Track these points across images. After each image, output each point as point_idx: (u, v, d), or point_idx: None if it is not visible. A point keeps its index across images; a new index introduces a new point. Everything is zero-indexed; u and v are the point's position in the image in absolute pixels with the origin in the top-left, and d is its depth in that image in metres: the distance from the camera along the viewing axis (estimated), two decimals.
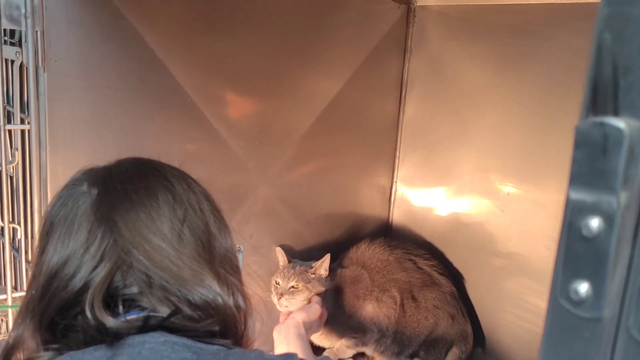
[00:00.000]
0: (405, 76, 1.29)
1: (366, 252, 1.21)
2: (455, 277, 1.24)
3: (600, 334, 0.25)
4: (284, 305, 1.10)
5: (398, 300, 1.17)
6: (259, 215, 1.14)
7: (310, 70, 1.15)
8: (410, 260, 1.22)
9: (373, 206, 1.35)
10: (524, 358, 1.16)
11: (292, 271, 1.10)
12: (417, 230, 1.34)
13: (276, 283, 1.12)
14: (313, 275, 1.11)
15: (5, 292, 0.89)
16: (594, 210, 0.24)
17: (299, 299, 1.10)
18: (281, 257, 1.15)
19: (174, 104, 0.97)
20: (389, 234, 1.38)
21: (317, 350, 1.22)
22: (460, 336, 1.19)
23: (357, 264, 1.20)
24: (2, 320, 0.91)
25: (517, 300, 1.15)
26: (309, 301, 1.11)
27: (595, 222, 0.24)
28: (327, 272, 1.12)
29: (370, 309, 1.15)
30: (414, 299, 1.18)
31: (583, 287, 0.25)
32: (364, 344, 1.16)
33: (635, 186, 0.23)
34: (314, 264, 1.13)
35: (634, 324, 0.24)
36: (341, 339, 1.16)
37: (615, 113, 0.24)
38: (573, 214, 0.25)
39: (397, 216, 1.37)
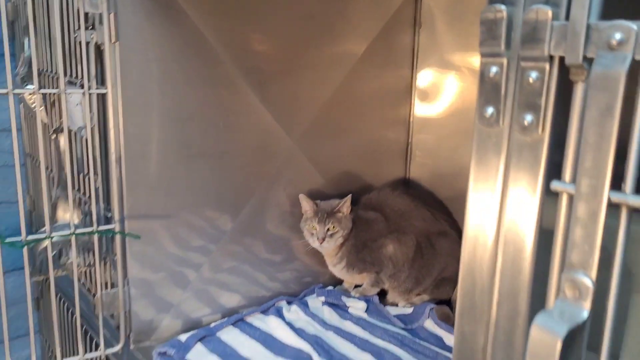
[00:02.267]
0: (416, 46, 1.47)
1: (389, 197, 1.38)
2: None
3: (500, 138, 0.42)
4: (325, 246, 1.29)
5: (415, 242, 1.34)
6: (291, 168, 1.33)
7: (329, 43, 1.33)
8: (429, 211, 1.38)
9: (390, 166, 1.53)
10: None
11: (326, 215, 1.28)
12: (431, 189, 1.50)
13: (312, 228, 1.30)
14: (341, 214, 1.29)
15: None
16: (493, 63, 0.42)
17: (336, 238, 1.29)
18: (305, 203, 1.31)
19: (217, 75, 1.16)
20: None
21: (338, 282, 1.42)
22: None
23: (378, 205, 1.37)
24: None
25: None
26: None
27: (494, 70, 0.42)
28: (349, 211, 1.30)
29: (389, 247, 1.33)
30: (430, 244, 1.34)
31: (490, 110, 0.42)
32: (381, 280, 1.34)
33: (515, 48, 0.41)
34: (335, 203, 1.30)
35: (515, 127, 0.41)
36: (361, 273, 1.33)
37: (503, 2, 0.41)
38: (484, 66, 0.42)
39: (414, 175, 1.54)
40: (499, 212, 0.43)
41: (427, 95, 1.49)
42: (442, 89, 1.45)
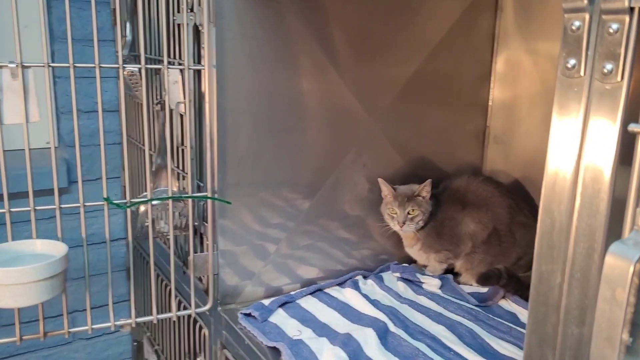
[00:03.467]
0: (496, 31, 1.48)
1: (472, 182, 1.40)
2: None
3: (581, 87, 0.45)
4: (406, 230, 1.33)
5: (492, 227, 1.35)
6: (370, 148, 1.37)
7: (410, 25, 1.37)
8: (512, 199, 1.39)
9: (468, 151, 1.55)
10: None
11: (406, 199, 1.32)
12: (511, 174, 1.51)
13: (392, 212, 1.34)
14: (421, 198, 1.32)
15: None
16: (576, 18, 0.45)
17: (416, 221, 1.32)
18: (385, 187, 1.35)
19: (303, 55, 1.23)
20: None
21: (413, 261, 1.45)
22: None
23: (460, 190, 1.39)
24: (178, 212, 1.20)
25: None
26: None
27: (577, 24, 0.45)
28: (429, 195, 1.33)
29: (470, 224, 1.35)
30: (510, 233, 1.35)
31: (572, 62, 0.45)
32: (456, 256, 1.36)
33: (597, 2, 0.44)
34: (415, 187, 1.33)
35: (595, 75, 0.44)
36: (437, 252, 1.36)
37: None
38: (567, 20, 0.46)
39: (491, 160, 1.55)
40: (578, 155, 0.46)
41: (506, 80, 1.50)
42: (521, 75, 1.45)
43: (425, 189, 1.32)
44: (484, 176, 1.46)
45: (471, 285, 1.38)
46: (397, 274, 1.40)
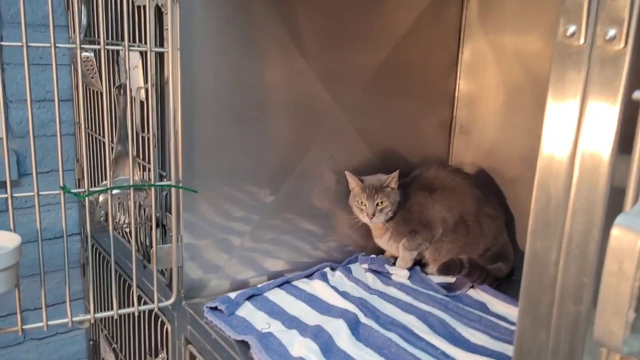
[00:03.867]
0: (463, 22, 1.48)
1: (440, 173, 1.39)
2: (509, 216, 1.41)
3: (581, 55, 0.44)
4: (375, 221, 1.32)
5: (461, 217, 1.35)
6: (337, 139, 1.35)
7: (378, 15, 1.35)
8: (480, 191, 1.39)
9: (434, 141, 1.54)
10: None
11: (375, 190, 1.30)
12: (478, 165, 1.51)
13: (361, 204, 1.31)
14: (389, 189, 1.31)
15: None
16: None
17: (385, 212, 1.31)
18: (352, 180, 1.33)
19: (270, 41, 1.19)
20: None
21: (380, 252, 1.44)
22: (504, 257, 1.37)
23: (428, 180, 1.39)
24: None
25: None
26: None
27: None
28: (397, 186, 1.31)
29: (440, 210, 1.34)
30: (478, 223, 1.35)
31: (572, 28, 0.44)
32: (427, 241, 1.34)
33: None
34: (383, 178, 1.31)
35: (597, 42, 0.43)
36: (408, 239, 1.34)
37: None
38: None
39: (457, 151, 1.55)
40: (576, 127, 0.45)
41: (472, 71, 1.50)
42: (486, 66, 1.46)
43: (393, 180, 1.31)
44: (452, 167, 1.45)
45: (439, 275, 1.38)
46: (365, 266, 1.38)
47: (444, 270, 1.28)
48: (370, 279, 1.32)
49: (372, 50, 1.36)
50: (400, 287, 1.29)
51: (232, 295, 1.19)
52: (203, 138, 1.15)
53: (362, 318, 1.12)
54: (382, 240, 1.38)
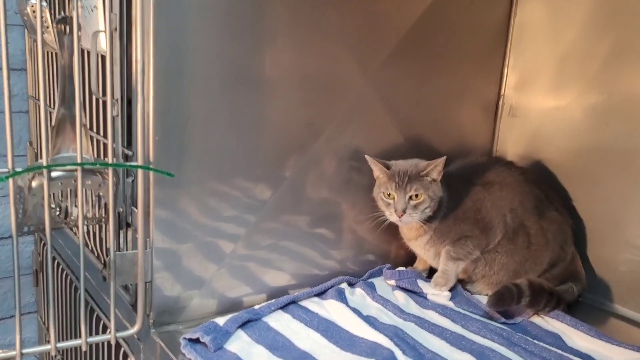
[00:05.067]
0: None
1: (492, 166, 1.09)
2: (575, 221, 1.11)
3: None
4: (406, 221, 1.00)
5: (521, 222, 1.04)
6: (360, 116, 1.04)
7: None
8: (539, 189, 1.09)
9: (477, 125, 1.24)
10: None
11: (407, 179, 0.98)
12: (531, 156, 1.20)
13: (387, 196, 1.00)
14: (429, 179, 0.99)
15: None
16: None
17: (422, 209, 0.99)
18: (375, 166, 1.02)
19: None
20: None
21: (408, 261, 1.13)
22: (574, 275, 1.06)
23: (476, 174, 1.08)
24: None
25: None
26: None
27: None
28: (440, 177, 1.00)
29: (502, 207, 1.04)
30: (542, 231, 1.05)
31: None
32: (479, 248, 1.03)
33: None
34: (422, 164, 1.00)
35: None
36: (454, 243, 1.03)
37: None
38: None
39: (505, 138, 1.25)
40: None
41: (526, 40, 1.20)
42: (544, 33, 1.16)
43: (436, 168, 0.99)
44: (504, 159, 1.14)
45: (486, 294, 1.07)
46: (392, 282, 1.07)
47: (496, 302, 0.95)
48: (402, 299, 1.01)
49: (405, 5, 1.05)
50: (442, 310, 0.98)
51: (221, 320, 0.87)
52: (185, 106, 0.84)
53: (401, 357, 0.80)
54: (417, 243, 1.07)
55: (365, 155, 1.02)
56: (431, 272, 1.13)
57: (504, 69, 1.23)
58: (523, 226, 1.03)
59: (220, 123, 0.88)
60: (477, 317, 0.96)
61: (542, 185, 1.09)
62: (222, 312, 0.94)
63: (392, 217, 1.00)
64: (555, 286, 1.02)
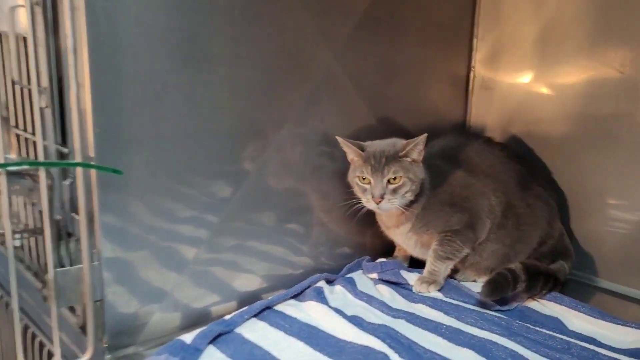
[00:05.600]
0: None
1: (471, 144, 1.01)
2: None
3: None
4: (385, 208, 0.89)
5: (508, 202, 0.97)
6: (328, 95, 0.94)
7: None
8: (521, 164, 1.02)
9: (448, 99, 1.16)
10: None
11: (384, 161, 0.88)
12: (507, 130, 1.13)
13: (362, 180, 0.90)
14: (409, 160, 0.90)
15: None
16: None
17: (402, 193, 0.89)
18: (348, 148, 0.91)
19: None
20: None
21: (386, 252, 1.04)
22: (564, 252, 1.00)
23: (456, 153, 1.00)
24: None
25: None
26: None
27: None
28: (421, 157, 0.91)
29: (488, 194, 0.95)
30: (529, 209, 0.98)
31: None
32: (469, 242, 0.95)
33: None
34: (400, 144, 0.91)
35: None
36: (441, 235, 0.95)
37: None
38: None
39: (478, 111, 1.17)
40: None
41: (496, 6, 1.12)
42: (516, 2, 1.09)
43: (417, 148, 0.90)
44: (484, 136, 1.06)
45: (474, 281, 1.00)
46: (374, 275, 0.98)
47: (492, 291, 0.87)
48: (387, 294, 0.92)
49: None
50: (433, 303, 0.89)
51: (188, 337, 0.75)
52: (129, 91, 0.72)
53: (396, 359, 0.71)
54: (398, 232, 0.97)
55: (337, 137, 0.92)
56: (412, 262, 1.05)
57: (473, 39, 1.16)
58: (511, 206, 0.96)
59: (172, 108, 0.76)
60: (471, 306, 0.88)
61: (523, 160, 1.02)
62: (188, 326, 0.82)
63: (370, 203, 0.90)
64: (547, 265, 0.95)
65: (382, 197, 0.88)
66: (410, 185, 0.89)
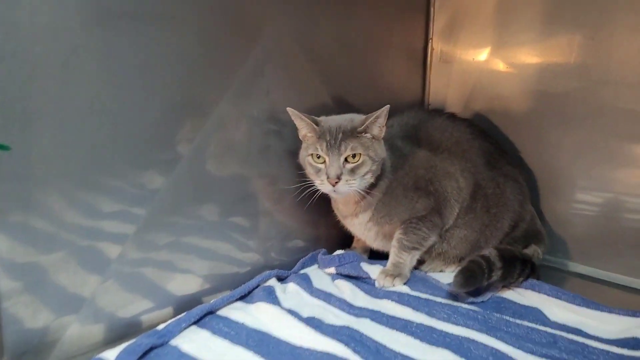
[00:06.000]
0: None
1: (435, 120, 0.91)
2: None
3: None
4: (342, 191, 0.78)
5: (476, 182, 0.88)
6: (276, 64, 0.82)
7: None
8: (489, 142, 0.92)
9: (405, 73, 1.06)
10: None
11: (340, 137, 0.77)
12: (468, 106, 1.04)
13: (316, 159, 0.79)
14: (368, 137, 0.79)
15: None
16: None
17: (360, 175, 0.78)
18: (300, 121, 0.80)
19: None
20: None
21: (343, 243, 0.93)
22: (536, 235, 0.92)
23: (424, 129, 0.90)
24: None
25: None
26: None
27: None
28: (383, 133, 0.81)
29: (456, 175, 0.86)
30: (499, 189, 0.89)
31: None
32: (436, 229, 0.85)
33: None
34: (358, 119, 0.80)
35: None
36: (406, 225, 0.84)
37: None
38: None
39: (437, 86, 1.08)
40: None
41: None
42: None
43: (377, 122, 0.79)
44: (446, 112, 0.96)
45: (441, 271, 0.90)
46: (331, 270, 0.87)
47: (465, 282, 0.76)
48: (347, 290, 0.82)
49: None
50: (399, 298, 0.79)
51: (111, 354, 0.62)
52: (26, 52, 0.57)
53: None
54: (356, 221, 0.87)
55: (288, 109, 0.79)
56: (372, 253, 0.95)
57: (430, 9, 1.06)
58: (479, 187, 0.87)
59: (83, 76, 0.62)
60: (441, 300, 0.79)
61: (489, 137, 0.94)
62: (113, 340, 0.69)
63: (324, 186, 0.78)
64: (521, 250, 0.87)
65: (338, 178, 0.77)
66: (371, 165, 0.79)
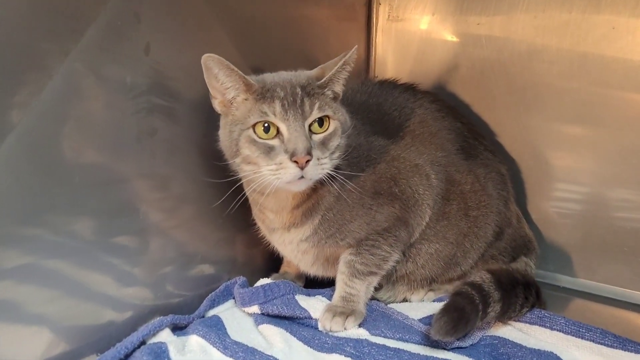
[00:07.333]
0: None
1: (389, 94, 0.67)
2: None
3: None
4: (313, 175, 0.52)
5: (448, 175, 0.64)
6: (158, 6, 0.54)
7: None
8: (460, 120, 0.70)
9: (346, 34, 0.82)
10: None
11: (299, 91, 0.52)
12: (425, 75, 0.81)
13: (263, 130, 0.52)
14: (330, 94, 0.55)
15: None
16: None
17: (330, 151, 0.54)
18: (227, 74, 0.52)
19: None
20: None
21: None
22: (526, 244, 0.70)
23: (377, 107, 0.65)
24: None
25: None
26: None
27: None
28: (341, 95, 0.57)
29: (424, 166, 0.62)
30: (479, 183, 0.66)
31: None
32: (400, 245, 0.60)
33: None
34: (317, 70, 0.56)
35: None
36: (359, 243, 0.59)
37: None
38: None
39: (384, 50, 0.84)
40: None
41: None
42: None
43: (344, 71, 0.56)
44: (404, 84, 0.71)
45: (404, 300, 0.66)
46: (254, 308, 0.60)
47: (453, 326, 0.52)
48: (278, 341, 0.55)
49: None
50: (356, 349, 0.53)
51: None
52: None
53: None
54: (288, 238, 0.60)
55: (207, 55, 0.51)
56: (307, 282, 0.69)
57: None
58: (453, 182, 0.64)
59: None
60: (414, 346, 0.54)
61: (460, 115, 0.71)
62: None
63: (284, 172, 0.51)
64: (508, 264, 0.64)
65: (310, 154, 0.51)
66: (340, 137, 0.54)
